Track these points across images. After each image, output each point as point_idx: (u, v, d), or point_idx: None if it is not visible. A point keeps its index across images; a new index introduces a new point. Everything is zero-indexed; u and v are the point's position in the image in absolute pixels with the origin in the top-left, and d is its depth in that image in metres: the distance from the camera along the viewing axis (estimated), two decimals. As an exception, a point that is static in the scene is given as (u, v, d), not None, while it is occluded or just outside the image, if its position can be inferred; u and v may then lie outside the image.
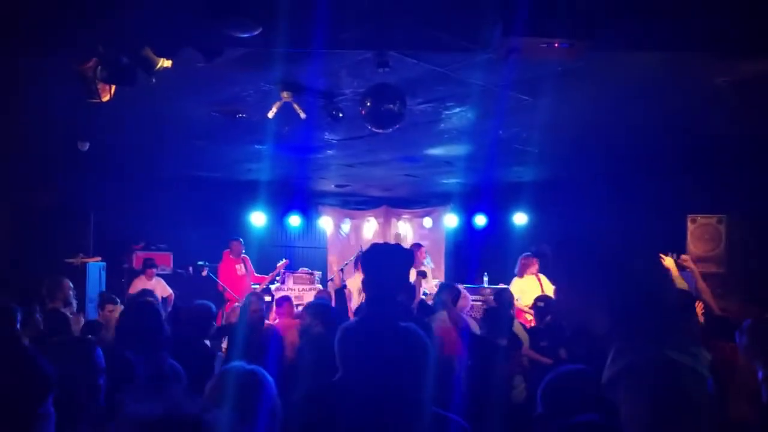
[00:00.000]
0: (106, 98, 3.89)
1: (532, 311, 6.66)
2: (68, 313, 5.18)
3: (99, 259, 8.46)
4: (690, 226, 8.04)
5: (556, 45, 2.93)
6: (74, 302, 5.59)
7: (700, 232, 7.96)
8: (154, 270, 9.19)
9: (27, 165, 8.10)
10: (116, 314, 6.13)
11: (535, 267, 7.99)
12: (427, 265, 9.12)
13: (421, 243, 9.36)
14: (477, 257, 9.60)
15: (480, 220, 11.27)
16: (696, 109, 5.63)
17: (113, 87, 4.01)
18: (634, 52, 4.02)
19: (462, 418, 2.09)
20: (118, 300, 6.07)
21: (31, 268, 7.10)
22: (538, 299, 6.40)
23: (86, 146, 6.79)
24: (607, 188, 9.23)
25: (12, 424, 1.65)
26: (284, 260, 9.70)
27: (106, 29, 3.38)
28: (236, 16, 3.03)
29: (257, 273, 9.83)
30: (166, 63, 3.73)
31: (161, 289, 9.00)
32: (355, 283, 7.50)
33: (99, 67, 3.64)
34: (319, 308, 5.13)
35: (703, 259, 7.84)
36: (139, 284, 8.77)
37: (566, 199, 9.71)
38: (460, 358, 4.86)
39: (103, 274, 8.53)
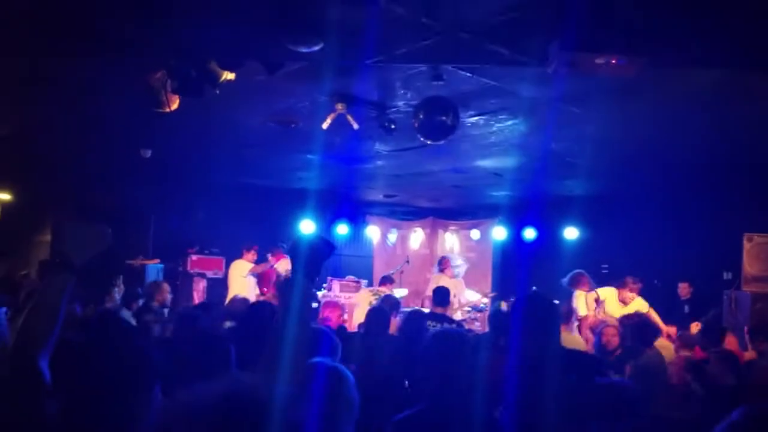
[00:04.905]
0: (173, 107, 4.08)
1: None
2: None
3: (157, 261, 8.76)
4: (746, 245, 7.79)
5: (614, 61, 2.95)
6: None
7: (757, 251, 7.71)
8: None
9: (92, 170, 8.46)
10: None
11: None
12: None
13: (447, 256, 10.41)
14: (525, 271, 9.50)
15: (529, 234, 11.14)
16: (754, 127, 5.50)
17: (179, 97, 4.21)
18: (692, 70, 3.98)
19: None
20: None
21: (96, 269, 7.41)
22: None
23: (149, 153, 7.06)
24: (662, 205, 9.04)
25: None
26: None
27: (177, 43, 3.56)
28: (301, 33, 3.15)
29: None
30: (230, 75, 3.89)
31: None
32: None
33: (168, 79, 3.82)
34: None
35: (759, 278, 7.60)
36: (242, 266, 8.95)
37: (619, 214, 9.54)
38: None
39: (161, 275, 8.82)
